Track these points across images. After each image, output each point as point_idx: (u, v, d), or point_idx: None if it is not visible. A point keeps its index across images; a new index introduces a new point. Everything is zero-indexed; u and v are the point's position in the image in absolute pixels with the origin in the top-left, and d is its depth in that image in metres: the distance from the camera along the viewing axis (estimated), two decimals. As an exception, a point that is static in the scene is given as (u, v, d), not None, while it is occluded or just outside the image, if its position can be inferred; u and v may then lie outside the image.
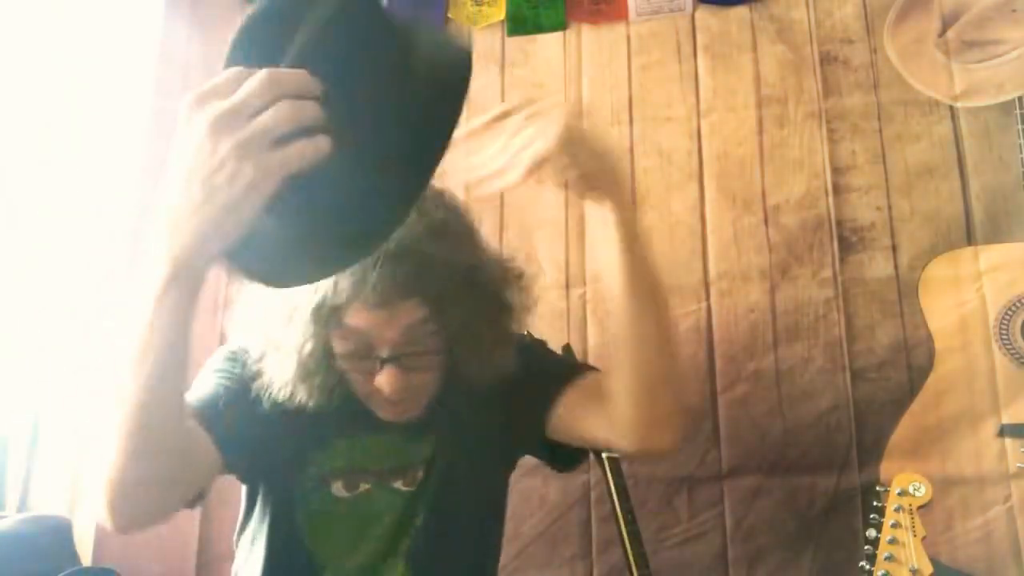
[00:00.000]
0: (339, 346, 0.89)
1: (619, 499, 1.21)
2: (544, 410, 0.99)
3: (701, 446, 1.40)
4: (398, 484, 0.98)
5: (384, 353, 0.88)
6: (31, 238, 1.65)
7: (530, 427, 1.00)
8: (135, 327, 0.68)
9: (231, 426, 0.88)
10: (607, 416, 0.94)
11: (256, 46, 0.71)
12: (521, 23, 1.66)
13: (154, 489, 0.76)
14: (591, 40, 1.63)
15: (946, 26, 1.48)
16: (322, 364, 0.88)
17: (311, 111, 0.61)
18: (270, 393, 0.89)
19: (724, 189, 1.50)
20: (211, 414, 0.88)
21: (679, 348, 0.96)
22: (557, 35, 1.64)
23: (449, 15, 1.69)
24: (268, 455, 0.95)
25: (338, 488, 0.97)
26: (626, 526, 1.18)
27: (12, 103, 1.66)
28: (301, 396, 0.89)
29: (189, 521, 1.49)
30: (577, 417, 0.99)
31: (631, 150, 1.56)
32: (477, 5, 1.68)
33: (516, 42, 1.66)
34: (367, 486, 0.98)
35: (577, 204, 1.55)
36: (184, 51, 1.76)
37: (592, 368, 1.09)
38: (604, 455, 1.18)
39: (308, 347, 0.87)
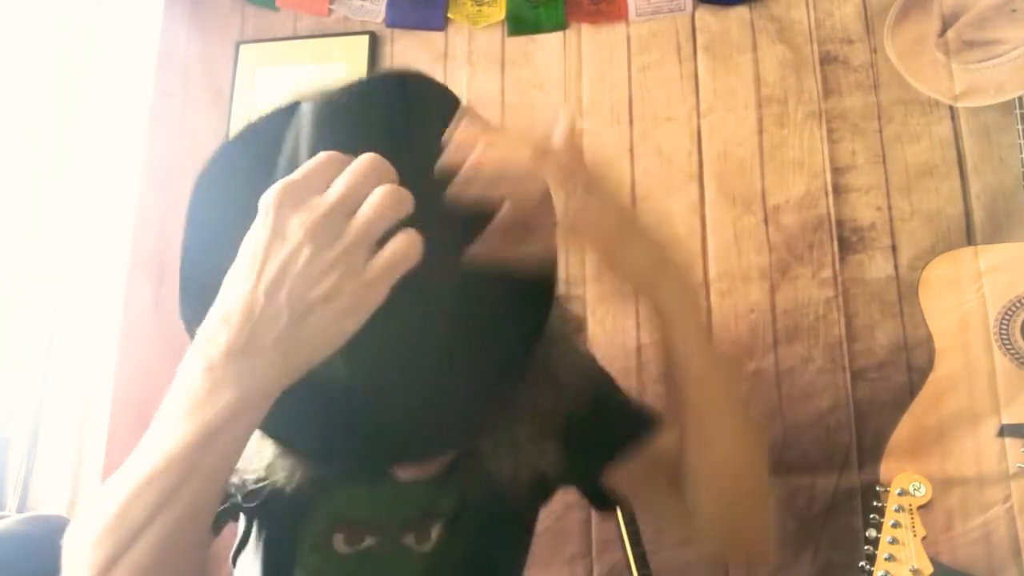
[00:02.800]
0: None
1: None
2: (605, 463, 0.84)
3: (701, 446, 1.40)
4: (409, 541, 0.82)
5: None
6: (30, 239, 1.65)
7: (583, 474, 0.86)
8: (168, 451, 0.53)
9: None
10: (690, 522, 0.78)
11: (339, 135, 0.59)
12: (521, 23, 1.66)
13: None
14: (591, 40, 1.63)
15: (946, 26, 1.48)
16: None
17: (409, 201, 0.52)
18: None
19: (724, 189, 1.50)
20: None
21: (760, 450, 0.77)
22: (557, 35, 1.64)
23: (449, 15, 1.69)
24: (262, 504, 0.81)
25: (339, 542, 0.82)
26: (626, 526, 1.19)
27: (11, 103, 1.66)
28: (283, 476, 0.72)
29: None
30: (643, 490, 0.85)
31: (631, 150, 1.56)
32: (477, 5, 1.68)
33: (516, 42, 1.66)
34: (372, 541, 0.81)
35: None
36: (184, 51, 1.76)
37: (655, 421, 0.87)
38: None
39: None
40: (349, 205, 0.51)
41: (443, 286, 0.57)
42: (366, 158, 0.52)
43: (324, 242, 0.50)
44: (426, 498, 0.82)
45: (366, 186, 0.51)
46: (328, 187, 0.51)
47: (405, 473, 0.78)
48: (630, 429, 0.84)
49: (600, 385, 0.90)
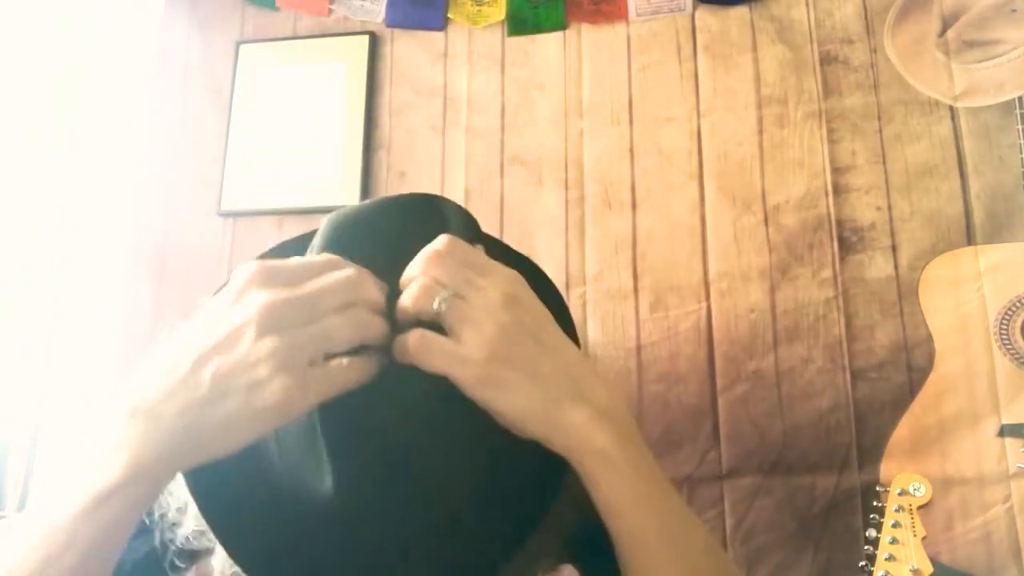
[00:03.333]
0: None
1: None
2: None
3: (701, 446, 1.40)
4: None
5: None
6: (30, 239, 1.65)
7: None
8: (46, 521, 0.47)
9: None
10: None
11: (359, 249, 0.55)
12: (521, 23, 1.66)
13: None
14: (591, 40, 1.63)
15: (946, 26, 1.48)
16: None
17: (379, 329, 0.50)
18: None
19: (724, 189, 1.50)
20: None
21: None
22: (557, 35, 1.64)
23: (449, 15, 1.69)
24: None
25: None
26: None
27: (10, 103, 1.66)
28: None
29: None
30: None
31: (631, 150, 1.56)
32: (477, 5, 1.68)
33: (516, 42, 1.66)
34: None
35: (577, 204, 1.55)
36: (184, 51, 1.76)
37: None
38: None
39: None
40: (315, 308, 0.48)
41: (469, 410, 0.52)
42: (351, 272, 0.50)
43: (271, 330, 0.46)
44: None
45: (340, 297, 0.48)
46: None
47: None
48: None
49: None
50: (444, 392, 0.51)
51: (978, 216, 1.40)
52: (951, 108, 1.45)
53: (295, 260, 0.50)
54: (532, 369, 0.53)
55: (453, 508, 0.53)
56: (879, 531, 1.09)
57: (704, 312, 1.46)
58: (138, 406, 0.47)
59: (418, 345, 0.51)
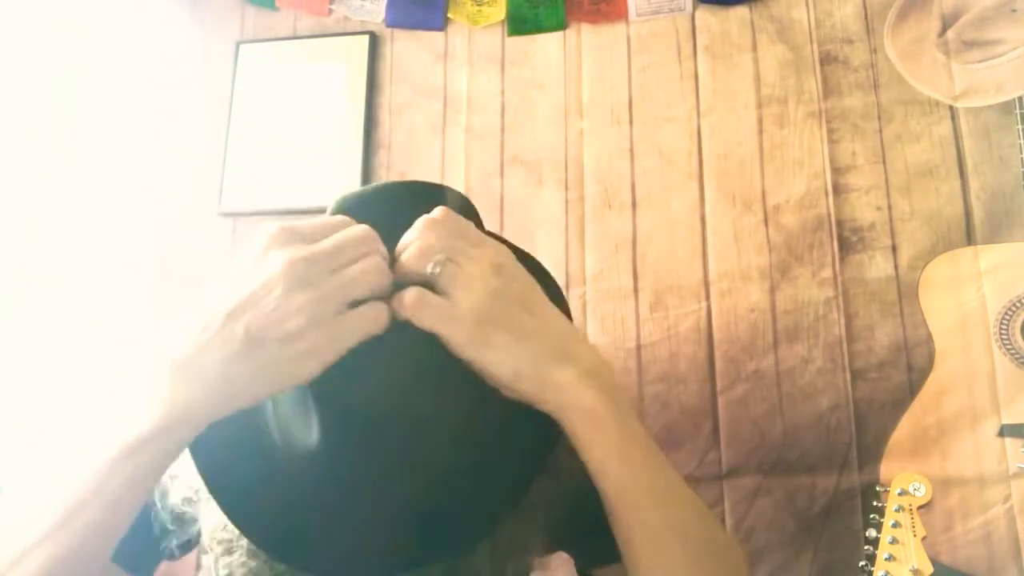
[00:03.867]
0: None
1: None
2: (593, 568, 0.76)
3: (701, 446, 1.40)
4: None
5: None
6: (30, 239, 1.65)
7: None
8: (60, 484, 0.49)
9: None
10: None
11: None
12: (521, 23, 1.66)
13: None
14: (591, 40, 1.63)
15: (946, 26, 1.48)
16: None
17: (389, 277, 0.53)
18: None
19: (724, 189, 1.50)
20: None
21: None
22: (557, 35, 1.64)
23: (449, 15, 1.69)
24: None
25: None
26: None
27: (10, 103, 1.67)
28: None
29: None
30: None
31: (631, 150, 1.56)
32: (477, 5, 1.68)
33: (516, 42, 1.66)
34: None
35: (577, 204, 1.55)
36: (184, 51, 1.76)
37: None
38: None
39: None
40: (335, 261, 0.51)
41: (461, 374, 0.55)
42: (364, 227, 0.53)
43: (299, 284, 0.49)
44: None
45: (357, 250, 0.52)
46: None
47: None
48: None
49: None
50: (435, 353, 0.53)
51: (978, 216, 1.40)
52: (951, 108, 1.45)
53: (311, 220, 0.54)
54: (520, 330, 0.55)
55: (439, 463, 0.54)
56: (879, 531, 1.09)
57: (704, 312, 1.46)
58: (172, 359, 0.50)
59: (414, 301, 0.53)
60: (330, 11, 1.73)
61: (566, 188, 1.56)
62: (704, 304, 1.46)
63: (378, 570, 0.55)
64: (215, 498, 0.54)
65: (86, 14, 1.76)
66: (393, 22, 1.70)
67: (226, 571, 0.60)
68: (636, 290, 1.49)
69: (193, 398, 0.49)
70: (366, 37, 1.69)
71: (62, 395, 1.60)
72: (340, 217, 0.55)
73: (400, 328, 0.53)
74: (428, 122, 1.64)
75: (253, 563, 0.58)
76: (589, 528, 0.68)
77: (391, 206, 0.60)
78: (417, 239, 0.55)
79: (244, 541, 0.57)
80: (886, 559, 1.06)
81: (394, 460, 0.54)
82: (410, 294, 0.53)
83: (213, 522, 0.58)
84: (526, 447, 0.59)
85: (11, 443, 1.58)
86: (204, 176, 1.67)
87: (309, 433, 0.52)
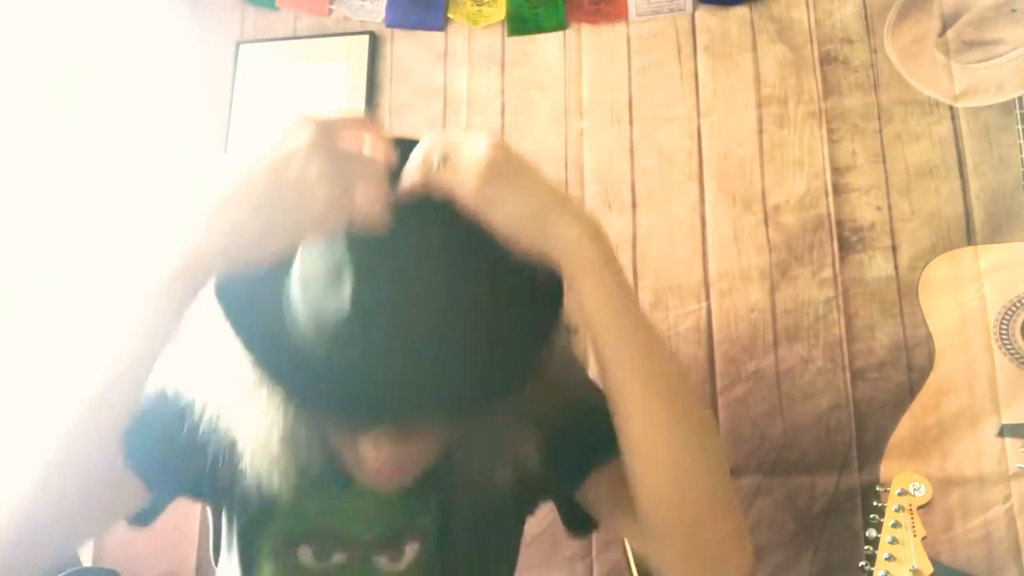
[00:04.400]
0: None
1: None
2: (579, 479, 0.77)
3: (701, 446, 1.40)
4: (381, 561, 0.76)
5: (381, 464, 0.68)
6: (30, 239, 1.65)
7: (559, 487, 0.80)
8: (109, 316, 0.59)
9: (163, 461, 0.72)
10: (645, 539, 0.69)
11: None
12: (521, 23, 1.66)
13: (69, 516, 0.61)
14: (591, 40, 1.63)
15: (946, 26, 1.48)
16: (292, 440, 0.67)
17: (394, 158, 0.60)
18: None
19: (724, 189, 1.50)
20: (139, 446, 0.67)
21: (711, 434, 0.69)
22: (557, 35, 1.64)
23: (449, 15, 1.69)
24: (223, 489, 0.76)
25: (305, 555, 0.76)
26: (633, 551, 1.18)
27: (10, 103, 1.67)
28: (271, 479, 0.68)
29: (189, 521, 1.49)
30: (608, 508, 0.77)
31: (631, 150, 1.56)
32: (477, 5, 1.68)
33: (516, 42, 1.66)
34: (342, 558, 0.76)
35: (577, 204, 1.55)
36: (184, 51, 1.76)
37: None
38: None
39: (279, 429, 0.66)
40: (351, 146, 0.58)
41: (476, 255, 0.61)
42: (368, 119, 0.61)
43: (319, 156, 0.55)
44: (401, 513, 0.77)
45: (373, 134, 0.60)
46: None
47: (379, 473, 0.69)
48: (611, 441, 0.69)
49: (590, 393, 0.76)
50: (453, 238, 0.60)
51: (978, 216, 1.40)
52: (951, 108, 1.45)
53: (337, 117, 0.60)
54: (522, 188, 0.60)
55: (453, 333, 0.60)
56: (879, 531, 1.09)
57: (704, 312, 1.46)
58: (196, 211, 0.56)
59: (424, 167, 0.59)
60: (330, 11, 1.73)
61: (566, 188, 1.56)
62: (704, 304, 1.46)
63: (388, 411, 0.61)
64: (240, 337, 0.60)
65: (86, 14, 1.76)
66: (393, 22, 1.70)
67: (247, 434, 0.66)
68: (636, 290, 1.49)
69: (210, 246, 0.56)
70: (366, 37, 1.69)
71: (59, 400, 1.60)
72: (357, 115, 0.65)
73: (422, 213, 0.59)
74: (428, 122, 1.64)
75: (273, 414, 0.64)
76: (586, 431, 0.74)
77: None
78: (416, 151, 0.61)
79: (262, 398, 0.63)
80: (886, 559, 1.06)
81: (413, 327, 0.59)
82: (418, 160, 0.59)
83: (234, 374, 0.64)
84: (530, 328, 0.64)
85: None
86: (204, 176, 1.67)
87: (339, 300, 0.57)
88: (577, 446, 0.76)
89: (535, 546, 1.42)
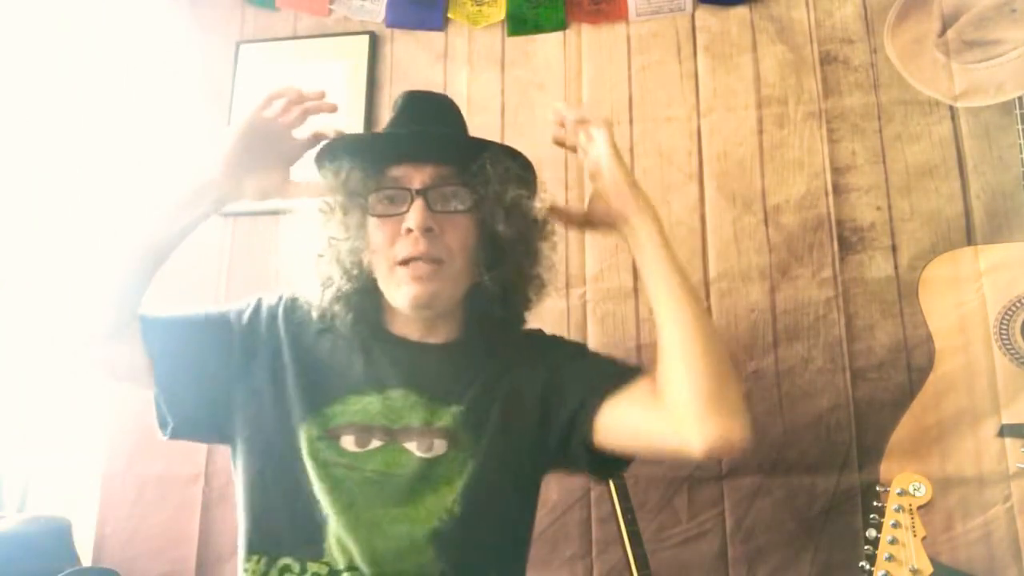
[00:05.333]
0: (376, 207, 0.96)
1: (619, 499, 1.21)
2: (590, 416, 0.93)
3: (701, 446, 1.40)
4: (412, 446, 0.94)
5: (416, 186, 0.94)
6: (30, 239, 1.65)
7: (575, 433, 0.95)
8: (154, 203, 0.96)
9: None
10: (667, 420, 0.88)
11: None
12: (521, 23, 1.66)
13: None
14: (591, 40, 1.63)
15: (946, 26, 1.48)
16: (356, 267, 0.96)
17: (335, 113, 1.01)
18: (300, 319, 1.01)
19: (724, 189, 1.50)
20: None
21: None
22: (557, 35, 1.64)
23: (449, 15, 1.69)
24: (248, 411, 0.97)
25: (348, 442, 0.94)
26: (626, 526, 1.19)
27: (11, 103, 1.66)
28: (334, 307, 0.97)
29: (189, 521, 1.49)
30: (629, 424, 0.92)
31: (631, 150, 1.56)
32: (477, 5, 1.68)
33: (516, 42, 1.66)
34: (378, 443, 0.94)
35: (577, 204, 1.55)
36: (184, 51, 1.76)
37: (638, 371, 0.98)
38: None
39: (347, 245, 0.95)
40: (308, 103, 0.97)
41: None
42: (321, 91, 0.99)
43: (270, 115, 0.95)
44: (425, 412, 0.96)
45: (317, 102, 0.98)
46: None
47: (410, 289, 0.93)
48: (610, 375, 0.97)
49: (572, 346, 1.11)
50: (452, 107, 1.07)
51: (978, 216, 1.40)
52: (951, 108, 1.45)
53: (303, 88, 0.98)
54: (629, 172, 1.00)
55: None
56: (879, 531, 1.09)
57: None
58: (220, 134, 0.92)
59: (605, 122, 1.00)
60: (330, 11, 1.73)
61: (566, 188, 1.56)
62: (704, 304, 1.46)
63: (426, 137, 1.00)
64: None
65: (86, 14, 1.76)
66: (393, 22, 1.70)
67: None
68: (636, 290, 1.49)
69: (219, 172, 0.92)
70: (366, 37, 1.69)
71: (59, 401, 1.60)
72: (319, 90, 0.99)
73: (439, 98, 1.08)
74: (428, 122, 1.64)
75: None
76: (594, 371, 0.99)
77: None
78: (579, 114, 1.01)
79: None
80: (886, 559, 1.06)
81: (431, 125, 1.02)
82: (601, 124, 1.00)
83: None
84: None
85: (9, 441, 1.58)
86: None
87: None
88: (581, 384, 0.96)
89: (535, 546, 1.42)
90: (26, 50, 1.69)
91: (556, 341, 1.08)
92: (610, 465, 0.99)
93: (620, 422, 0.93)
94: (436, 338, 1.00)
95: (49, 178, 1.68)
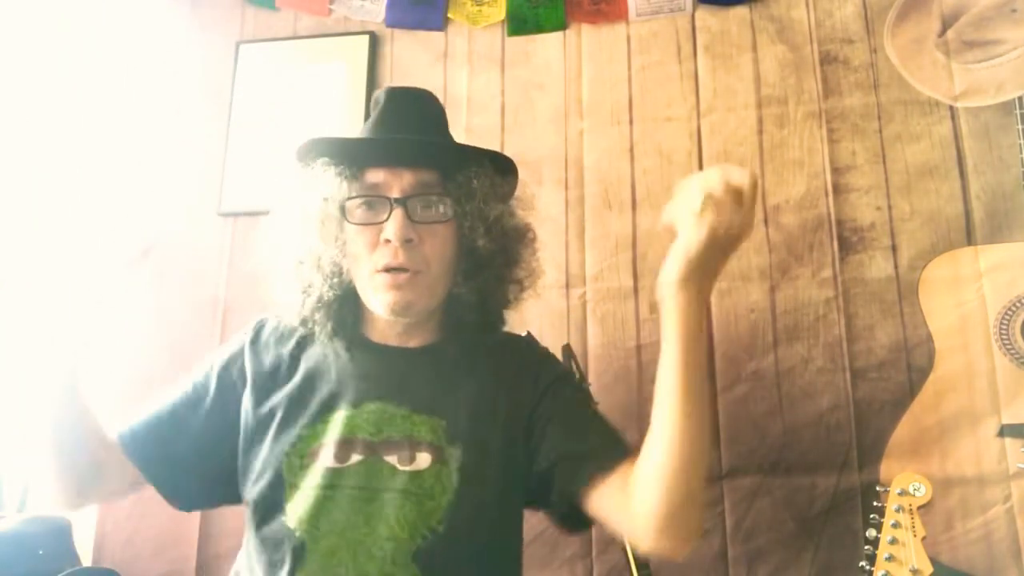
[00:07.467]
0: (355, 214, 0.94)
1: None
2: (582, 486, 0.92)
3: (701, 446, 1.40)
4: (392, 459, 0.92)
5: (395, 195, 0.93)
6: (30, 239, 1.64)
7: (560, 493, 0.94)
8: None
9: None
10: (628, 516, 0.88)
11: None
12: (521, 23, 1.66)
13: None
14: (591, 40, 1.63)
15: (946, 26, 1.48)
16: (336, 275, 0.94)
17: None
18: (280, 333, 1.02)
19: (724, 189, 1.50)
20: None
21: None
22: (557, 35, 1.64)
23: (449, 15, 1.69)
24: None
25: (327, 459, 0.92)
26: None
27: (11, 103, 1.66)
28: (315, 315, 0.96)
29: (189, 521, 1.49)
30: (597, 507, 0.92)
31: (631, 150, 1.56)
32: (477, 5, 1.68)
33: (516, 42, 1.66)
34: (359, 457, 0.92)
35: (577, 204, 1.55)
36: (184, 51, 1.76)
37: (621, 449, 0.95)
38: None
39: (327, 251, 0.94)
40: None
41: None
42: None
43: None
44: (405, 424, 0.94)
45: None
46: None
47: (387, 295, 0.92)
48: (613, 450, 0.94)
49: (584, 400, 1.07)
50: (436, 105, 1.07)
51: (978, 216, 1.40)
52: (951, 108, 1.45)
53: None
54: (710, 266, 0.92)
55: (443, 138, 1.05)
56: (879, 531, 1.09)
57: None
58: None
59: (751, 181, 0.86)
60: (330, 11, 1.73)
61: (566, 188, 1.56)
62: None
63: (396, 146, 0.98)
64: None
65: (87, 14, 1.76)
66: (393, 22, 1.70)
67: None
68: (636, 290, 1.49)
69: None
70: (366, 37, 1.69)
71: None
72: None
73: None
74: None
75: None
76: (581, 437, 0.96)
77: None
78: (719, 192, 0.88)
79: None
80: (886, 559, 1.06)
81: (412, 128, 1.00)
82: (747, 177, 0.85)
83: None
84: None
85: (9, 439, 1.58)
86: (204, 176, 1.68)
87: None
88: (577, 460, 0.93)
89: (535, 546, 1.42)
90: (26, 50, 1.69)
91: (544, 359, 1.06)
92: (580, 521, 0.96)
93: (593, 504, 0.92)
94: (415, 342, 1.00)
95: (49, 178, 1.68)
